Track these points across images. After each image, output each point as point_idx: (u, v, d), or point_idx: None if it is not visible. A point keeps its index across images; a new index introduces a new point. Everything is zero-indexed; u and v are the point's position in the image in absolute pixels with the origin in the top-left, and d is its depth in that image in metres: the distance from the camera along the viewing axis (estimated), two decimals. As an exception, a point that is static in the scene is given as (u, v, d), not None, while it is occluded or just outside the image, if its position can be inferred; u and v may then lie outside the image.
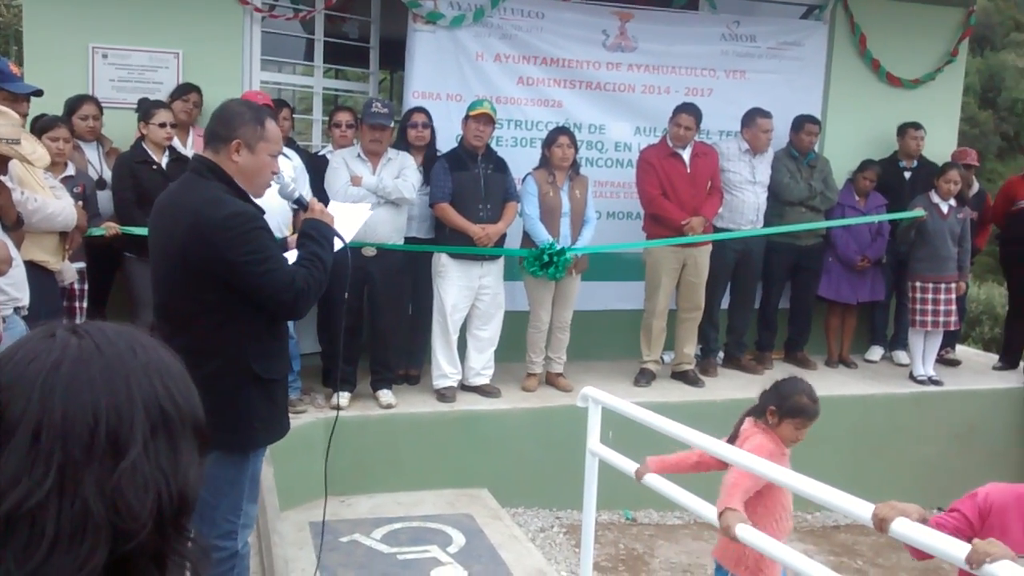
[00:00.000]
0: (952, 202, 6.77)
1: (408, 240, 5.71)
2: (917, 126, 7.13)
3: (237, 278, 2.75)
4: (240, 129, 2.83)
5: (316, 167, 5.60)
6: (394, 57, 7.04)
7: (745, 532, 2.97)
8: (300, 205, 3.15)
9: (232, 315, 2.79)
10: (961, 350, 8.09)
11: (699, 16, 7.07)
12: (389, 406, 5.52)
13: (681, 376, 6.45)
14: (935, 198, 6.74)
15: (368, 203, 4.73)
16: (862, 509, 2.60)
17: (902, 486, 6.52)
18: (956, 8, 7.63)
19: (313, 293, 2.87)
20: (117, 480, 0.79)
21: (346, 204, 4.06)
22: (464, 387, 5.87)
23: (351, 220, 3.30)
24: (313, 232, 2.96)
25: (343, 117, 5.96)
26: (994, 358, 7.76)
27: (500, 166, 5.81)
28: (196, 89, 5.61)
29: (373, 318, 5.60)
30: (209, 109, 5.52)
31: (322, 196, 5.45)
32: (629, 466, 4.30)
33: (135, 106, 5.36)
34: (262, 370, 2.85)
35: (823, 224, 6.84)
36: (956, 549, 2.28)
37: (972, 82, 33.15)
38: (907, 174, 7.22)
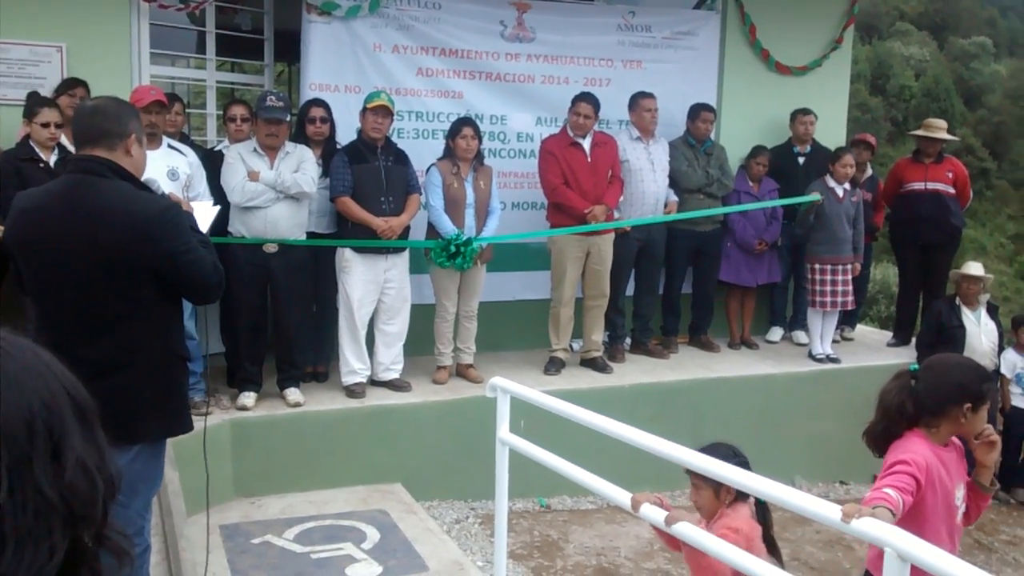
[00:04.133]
0: (847, 186, 7.00)
1: (310, 235, 5.62)
2: (807, 111, 7.36)
3: (173, 268, 2.85)
4: (131, 124, 2.90)
5: (212, 163, 5.47)
6: (290, 49, 6.92)
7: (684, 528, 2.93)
8: None
9: (159, 306, 2.90)
10: (858, 329, 8.39)
11: (595, 7, 7.15)
12: (297, 404, 5.43)
13: (590, 363, 6.52)
14: (830, 182, 6.96)
15: (212, 201, 4.88)
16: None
17: (804, 461, 6.76)
18: (841, -3, 7.90)
19: (222, 276, 3.00)
20: (67, 471, 0.80)
21: (197, 202, 4.20)
22: (374, 382, 5.82)
23: (203, 217, 3.43)
24: (191, 224, 3.02)
25: (238, 111, 5.84)
26: (889, 335, 8.07)
27: (401, 158, 5.77)
28: (83, 84, 5.40)
29: (277, 316, 5.49)
30: (97, 105, 5.36)
31: (219, 192, 5.34)
32: (540, 454, 4.33)
33: (16, 102, 5.14)
34: (185, 353, 3.05)
35: (721, 210, 7.00)
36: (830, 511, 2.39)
37: (863, 70, 34.40)
38: (801, 159, 7.44)
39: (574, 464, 4.17)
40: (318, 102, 5.83)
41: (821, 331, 7.06)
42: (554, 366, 6.37)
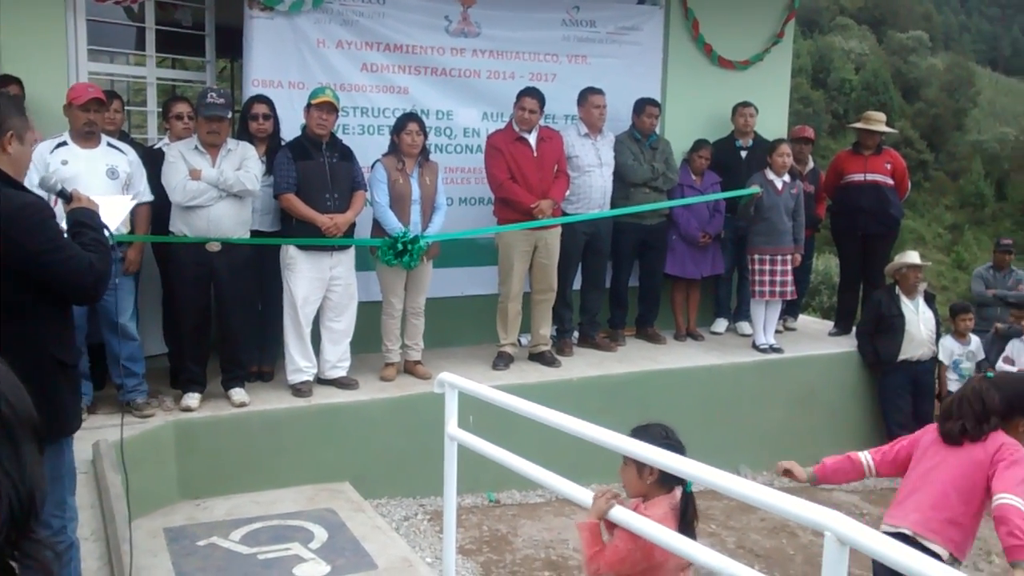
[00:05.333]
0: (786, 178, 7.12)
1: (254, 233, 5.56)
2: (746, 104, 7.47)
3: (38, 268, 2.74)
4: (10, 120, 2.82)
5: (152, 161, 5.38)
6: (232, 45, 6.82)
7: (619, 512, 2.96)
8: (64, 197, 3.11)
9: (31, 307, 2.79)
10: (801, 319, 8.55)
11: (540, 2, 7.16)
12: (242, 404, 5.37)
13: (538, 357, 6.55)
14: (770, 175, 7.07)
15: (131, 195, 4.78)
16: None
17: (749, 449, 6.87)
18: (781, -8, 8.02)
19: (106, 276, 2.90)
20: None
21: (108, 196, 4.05)
22: (320, 381, 5.78)
23: (115, 211, 3.33)
24: (87, 220, 2.97)
25: (182, 108, 5.76)
26: (830, 325, 8.23)
27: (346, 154, 5.73)
28: (16, 81, 5.28)
29: (221, 315, 5.43)
30: (34, 102, 5.24)
31: (160, 191, 5.26)
32: (488, 449, 4.35)
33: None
34: (65, 357, 2.91)
35: (666, 204, 7.07)
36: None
37: (804, 64, 34.94)
38: (743, 153, 7.54)
39: (523, 458, 4.20)
40: (261, 99, 5.77)
41: (764, 322, 7.18)
42: (502, 361, 6.39)
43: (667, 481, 2.94)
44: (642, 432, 3.02)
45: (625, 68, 7.37)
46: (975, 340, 7.52)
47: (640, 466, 2.97)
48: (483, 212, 6.76)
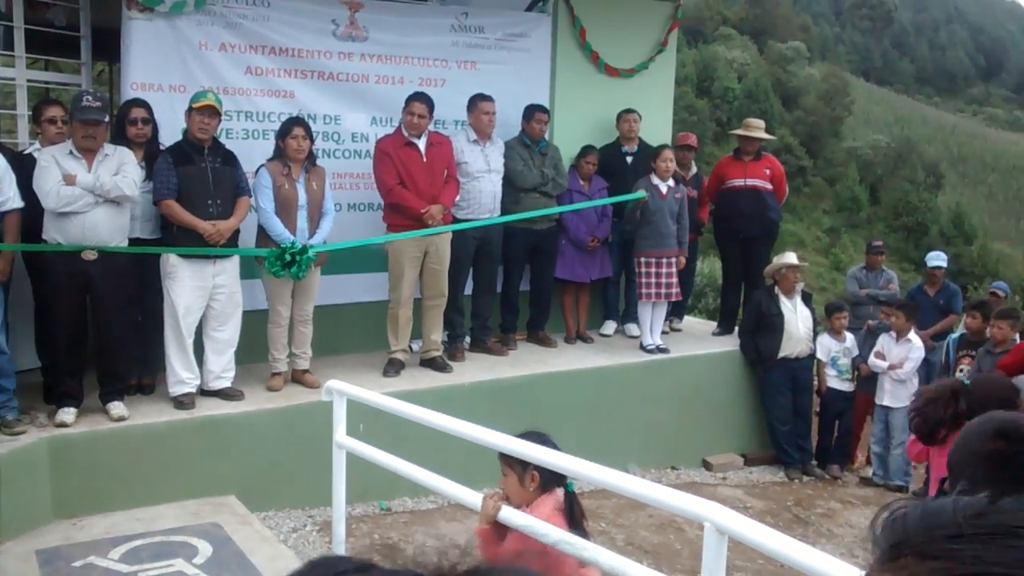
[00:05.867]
0: (670, 183, 7.29)
1: (133, 241, 5.38)
2: (630, 111, 7.63)
3: None
4: None
5: (22, 166, 5.15)
6: (110, 47, 6.58)
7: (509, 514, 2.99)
8: None
9: None
10: (686, 320, 8.77)
11: (429, 7, 7.16)
12: (121, 419, 5.18)
13: (429, 363, 6.53)
14: (655, 180, 7.24)
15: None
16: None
17: (637, 448, 7.01)
18: (665, 2, 8.22)
19: None
20: None
21: None
22: (204, 392, 5.62)
23: None
24: None
25: (55, 112, 5.53)
26: (714, 325, 8.47)
27: (229, 159, 5.61)
28: None
29: (98, 326, 5.23)
30: None
31: (31, 197, 5.04)
32: (378, 456, 4.32)
33: None
34: None
35: (556, 209, 7.16)
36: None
37: (689, 73, 35.90)
38: (629, 158, 7.70)
39: (414, 464, 4.19)
40: (139, 102, 5.60)
41: (651, 323, 7.34)
42: (393, 367, 6.35)
43: (549, 485, 2.99)
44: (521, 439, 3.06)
45: (514, 74, 7.43)
46: (850, 337, 7.85)
47: (521, 475, 3.01)
48: (372, 218, 6.71)
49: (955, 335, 7.59)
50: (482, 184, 6.76)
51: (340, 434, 4.47)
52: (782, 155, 33.00)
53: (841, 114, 40.65)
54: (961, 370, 7.08)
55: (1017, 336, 6.98)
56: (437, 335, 6.58)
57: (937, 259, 8.91)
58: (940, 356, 7.74)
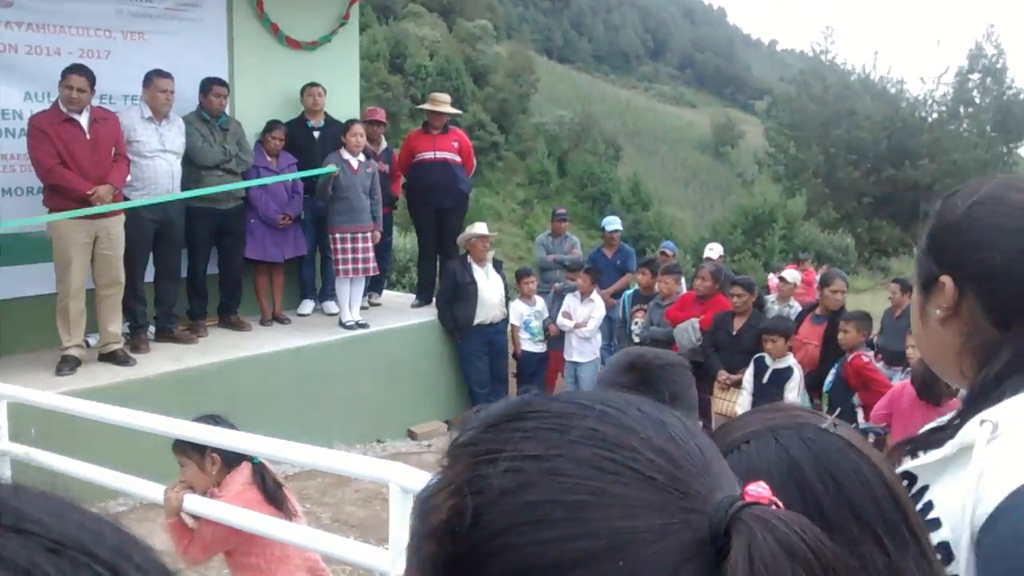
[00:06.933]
0: (361, 157, 7.26)
1: None
2: (314, 84, 7.50)
3: None
4: None
5: None
6: None
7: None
8: None
9: None
10: (386, 294, 8.80)
11: (85, -29, 6.57)
12: None
13: (109, 357, 6.06)
14: (345, 154, 7.17)
15: None
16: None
17: (343, 425, 6.97)
18: (345, -25, 8.12)
19: None
20: None
21: None
22: None
23: None
24: None
25: None
26: (413, 297, 8.57)
27: None
28: None
29: None
30: None
31: None
32: (51, 461, 3.99)
33: None
34: None
35: (241, 185, 6.89)
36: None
37: (381, 49, 35.95)
38: (316, 133, 7.56)
39: (96, 466, 3.89)
40: None
41: (349, 299, 7.29)
42: (68, 365, 5.83)
43: (233, 463, 2.90)
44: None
45: (188, 46, 7.02)
46: (540, 301, 8.26)
47: (200, 460, 2.91)
48: (32, 203, 6.09)
49: (630, 291, 8.23)
50: (157, 164, 6.36)
51: (2, 441, 4.05)
52: (475, 131, 34.04)
53: (528, 91, 42.57)
54: (636, 323, 7.70)
55: (682, 288, 7.70)
56: (116, 327, 6.11)
57: (613, 223, 9.60)
58: (619, 312, 8.35)
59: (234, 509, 2.75)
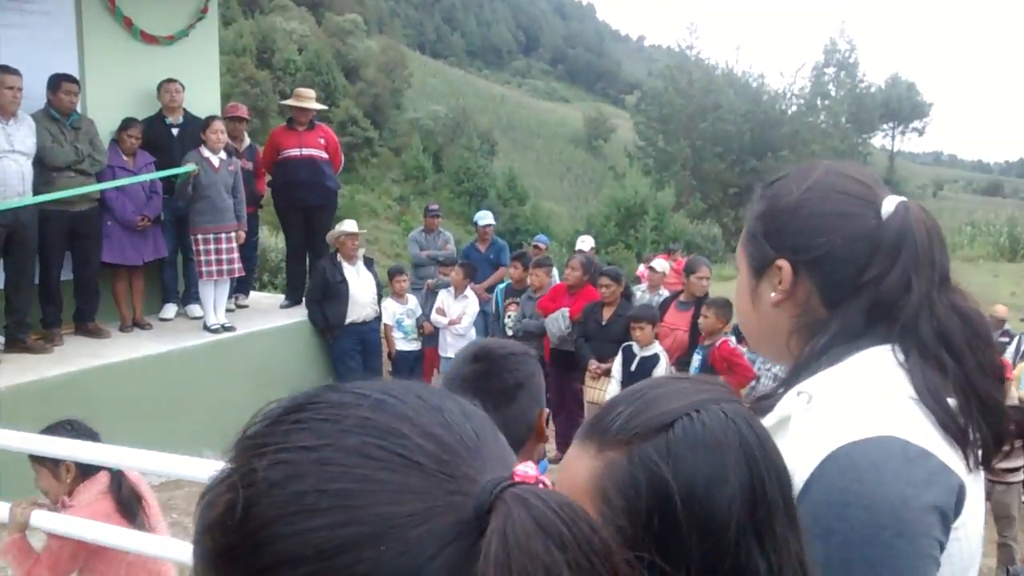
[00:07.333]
0: (223, 155, 7.06)
1: None
2: (172, 80, 7.25)
3: None
4: None
5: None
6: None
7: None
8: None
9: None
10: (253, 295, 8.60)
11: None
12: None
13: (-46, 371, 5.72)
14: (206, 152, 6.96)
15: None
16: None
17: (211, 432, 6.74)
18: (202, -32, 7.87)
19: None
20: None
21: None
22: None
23: None
24: None
25: None
26: (282, 298, 8.40)
27: None
28: None
29: None
30: None
31: None
32: None
33: None
34: None
35: (96, 187, 6.60)
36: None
37: (248, 44, 35.04)
38: (175, 130, 7.31)
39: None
40: None
41: (214, 301, 7.09)
42: (-94, 381, 5.47)
43: (89, 472, 2.79)
44: (47, 433, 2.81)
45: (33, 40, 6.67)
46: (413, 299, 8.22)
47: (54, 468, 2.78)
48: None
49: (502, 285, 8.29)
50: (6, 165, 6.01)
51: None
52: (348, 127, 33.64)
53: (401, 86, 42.31)
54: (509, 316, 7.76)
55: (553, 280, 7.80)
56: (-39, 338, 5.77)
57: (485, 218, 9.65)
58: (492, 306, 8.40)
59: (84, 522, 2.64)
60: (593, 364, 6.77)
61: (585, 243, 10.47)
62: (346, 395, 0.64)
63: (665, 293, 8.37)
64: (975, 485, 1.15)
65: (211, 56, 8.13)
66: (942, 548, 1.09)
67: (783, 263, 1.27)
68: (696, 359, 6.45)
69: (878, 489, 1.05)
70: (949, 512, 1.08)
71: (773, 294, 1.29)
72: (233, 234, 7.05)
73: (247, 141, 8.10)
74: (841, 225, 1.24)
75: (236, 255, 7.06)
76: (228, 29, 34.28)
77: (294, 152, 7.87)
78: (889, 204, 1.24)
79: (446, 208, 31.67)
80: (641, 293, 8.61)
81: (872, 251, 1.22)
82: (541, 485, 0.60)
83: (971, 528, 1.14)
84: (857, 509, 1.05)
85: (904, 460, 1.07)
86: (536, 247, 10.22)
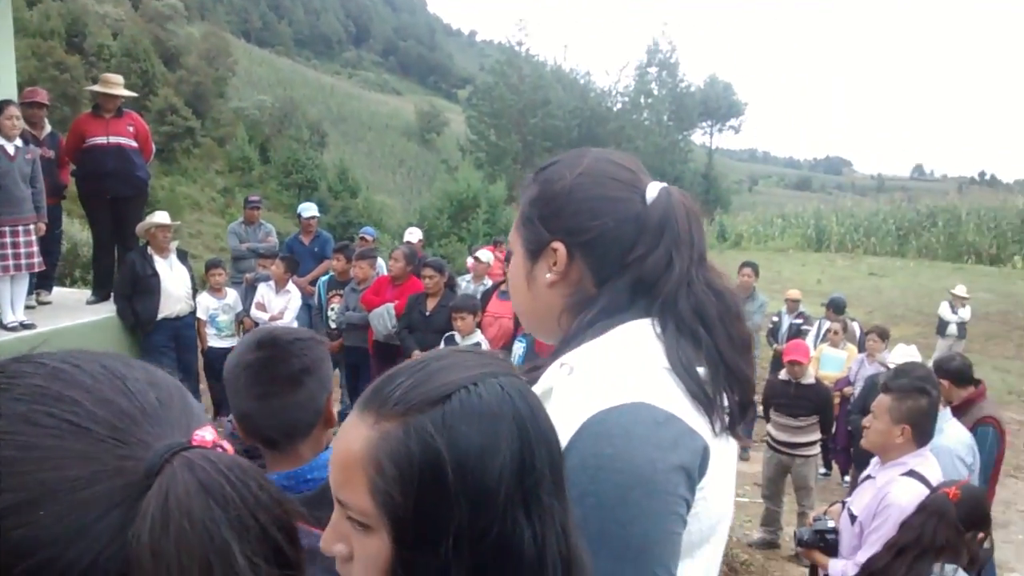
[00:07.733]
0: (19, 143, 6.60)
1: None
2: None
3: None
4: None
5: None
6: None
7: None
8: None
9: None
10: (57, 291, 8.10)
11: None
12: None
13: None
14: (1, 140, 6.49)
15: None
16: None
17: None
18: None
19: None
20: None
21: None
22: None
23: None
24: None
25: None
26: (89, 293, 7.96)
27: None
28: None
29: None
30: None
31: None
32: None
33: None
34: None
35: None
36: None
37: (57, 27, 32.91)
38: (-36, 115, 6.78)
39: None
40: None
41: (12, 298, 6.63)
42: None
43: None
44: None
45: None
46: (232, 293, 7.96)
47: None
48: None
49: (325, 278, 8.16)
50: None
51: None
52: (167, 116, 32.19)
53: (225, 74, 40.82)
54: (332, 308, 7.65)
55: (379, 272, 7.75)
56: None
57: (309, 210, 9.47)
58: (316, 299, 8.26)
59: None
60: (417, 355, 6.77)
61: (413, 235, 10.45)
62: (26, 365, 0.64)
63: (489, 283, 8.47)
64: (722, 448, 1.23)
65: (5, 38, 7.60)
66: (688, 506, 1.16)
67: (558, 245, 1.32)
68: (519, 346, 6.56)
69: (628, 452, 1.11)
70: (694, 472, 1.16)
71: (548, 275, 1.34)
72: (32, 226, 6.61)
73: (48, 128, 7.62)
74: (613, 208, 1.30)
75: (35, 248, 6.62)
76: (32, 10, 32.11)
77: (101, 140, 7.45)
78: (653, 189, 1.32)
79: (274, 201, 30.89)
80: (466, 284, 8.68)
81: (639, 232, 1.29)
82: (219, 449, 0.61)
83: (717, 487, 1.22)
84: (609, 472, 1.10)
85: (653, 424, 1.14)
86: (363, 239, 10.12)
